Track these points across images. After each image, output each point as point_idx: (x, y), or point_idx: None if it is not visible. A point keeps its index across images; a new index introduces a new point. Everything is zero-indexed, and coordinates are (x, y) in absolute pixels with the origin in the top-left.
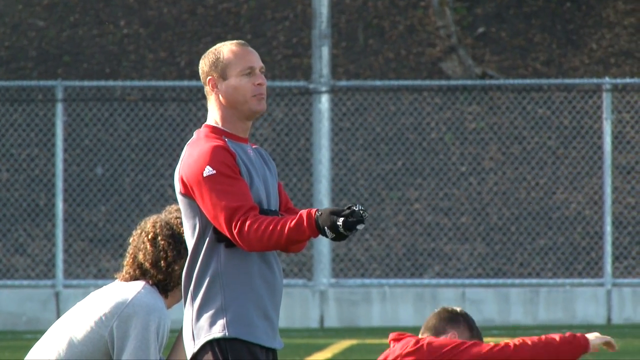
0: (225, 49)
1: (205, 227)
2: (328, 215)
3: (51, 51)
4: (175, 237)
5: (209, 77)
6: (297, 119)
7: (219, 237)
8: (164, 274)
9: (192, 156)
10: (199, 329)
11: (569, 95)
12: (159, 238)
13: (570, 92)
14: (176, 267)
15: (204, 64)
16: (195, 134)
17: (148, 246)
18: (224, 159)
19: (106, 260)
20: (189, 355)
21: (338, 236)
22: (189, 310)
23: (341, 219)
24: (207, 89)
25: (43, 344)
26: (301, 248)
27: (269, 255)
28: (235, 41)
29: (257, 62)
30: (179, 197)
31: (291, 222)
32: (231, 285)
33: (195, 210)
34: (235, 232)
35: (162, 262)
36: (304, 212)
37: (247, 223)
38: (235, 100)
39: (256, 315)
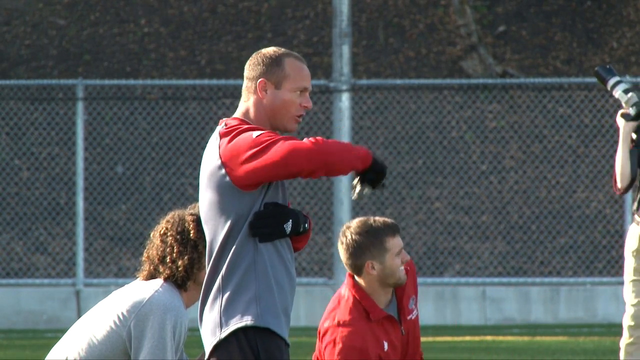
0: (288, 58)
1: (240, 219)
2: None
3: (72, 50)
4: (184, 233)
5: (261, 79)
6: (318, 117)
7: (253, 232)
8: (170, 269)
9: (233, 137)
10: (228, 316)
11: (590, 94)
12: (169, 234)
13: (590, 91)
14: (179, 263)
15: (260, 62)
16: (223, 125)
17: (158, 242)
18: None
19: (127, 259)
20: (211, 344)
21: (376, 181)
22: (216, 300)
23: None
24: (251, 86)
25: (64, 344)
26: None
27: (289, 254)
28: (296, 54)
29: (310, 84)
30: (218, 190)
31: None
32: (263, 277)
33: (234, 201)
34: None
35: (168, 257)
36: None
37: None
38: (278, 112)
39: (280, 309)
